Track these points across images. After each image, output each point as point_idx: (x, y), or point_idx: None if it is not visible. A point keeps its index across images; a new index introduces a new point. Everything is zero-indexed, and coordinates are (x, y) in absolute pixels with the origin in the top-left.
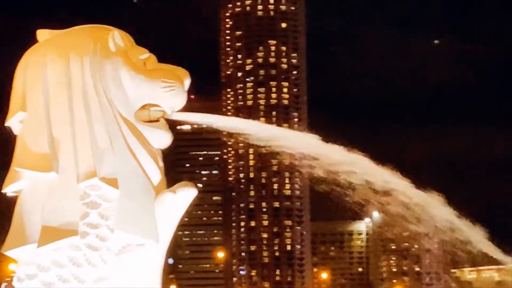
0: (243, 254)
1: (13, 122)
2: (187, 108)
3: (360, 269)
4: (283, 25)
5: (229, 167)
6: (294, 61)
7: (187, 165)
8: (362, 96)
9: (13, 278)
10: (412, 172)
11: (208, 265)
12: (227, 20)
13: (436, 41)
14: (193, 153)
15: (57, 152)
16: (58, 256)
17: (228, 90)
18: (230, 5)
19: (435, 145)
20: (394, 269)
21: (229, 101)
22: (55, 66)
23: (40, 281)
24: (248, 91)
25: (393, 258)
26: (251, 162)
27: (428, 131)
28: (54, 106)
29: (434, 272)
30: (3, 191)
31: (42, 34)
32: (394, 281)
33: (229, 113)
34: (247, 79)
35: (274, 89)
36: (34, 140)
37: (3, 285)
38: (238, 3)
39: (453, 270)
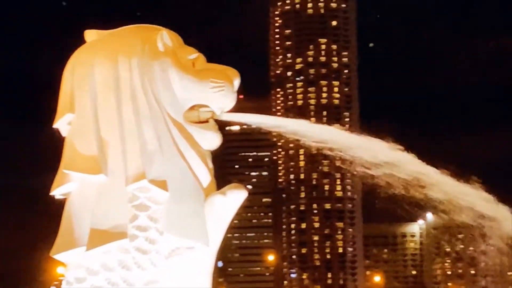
0: (293, 256)
1: (61, 123)
2: (236, 109)
3: (413, 272)
4: (334, 23)
5: (279, 168)
6: (345, 59)
7: (237, 166)
8: (415, 96)
9: (62, 281)
10: (473, 175)
11: (258, 268)
12: (277, 18)
13: (495, 41)
14: (243, 154)
15: (106, 154)
16: (107, 259)
17: (278, 89)
18: (279, 3)
19: (496, 147)
20: (449, 272)
21: (278, 101)
22: (103, 67)
23: (89, 285)
24: (298, 90)
25: (448, 261)
26: (302, 163)
27: (487, 132)
28: (102, 108)
29: (490, 275)
30: (51, 193)
31: (90, 35)
32: (449, 284)
33: (278, 113)
34: (297, 79)
35: (324, 89)
36: (82, 142)
37: None
38: (288, 1)
39: (510, 273)
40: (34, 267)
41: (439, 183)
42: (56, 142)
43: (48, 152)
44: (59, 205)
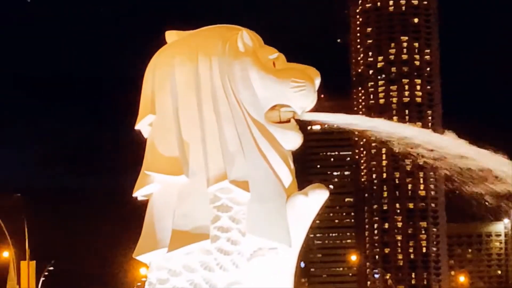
0: (376, 257)
1: (142, 125)
2: (317, 108)
3: (499, 272)
4: (415, 20)
5: (361, 167)
6: (427, 57)
7: (318, 166)
8: (500, 92)
9: (145, 282)
10: None
11: (340, 269)
12: (357, 17)
13: None
14: (324, 153)
15: (187, 155)
16: (189, 261)
17: (359, 88)
18: (360, 1)
19: None
20: None
21: (360, 100)
22: (183, 67)
23: (172, 286)
24: (380, 89)
25: None
26: (384, 162)
27: None
28: (183, 108)
29: None
30: (133, 195)
31: (170, 36)
32: None
33: (360, 112)
34: (379, 77)
35: (406, 87)
36: (164, 143)
37: None
38: None
39: None
40: (119, 268)
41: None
42: (138, 144)
43: (130, 153)
44: (142, 206)
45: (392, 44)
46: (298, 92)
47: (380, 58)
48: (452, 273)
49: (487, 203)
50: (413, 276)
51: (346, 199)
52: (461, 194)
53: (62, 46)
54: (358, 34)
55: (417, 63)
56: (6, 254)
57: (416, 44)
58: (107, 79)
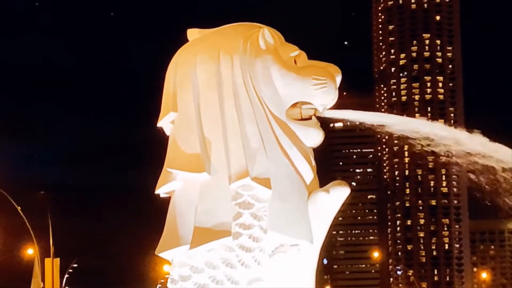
0: (399, 253)
1: (164, 122)
2: (339, 105)
3: None
4: (438, 17)
5: (384, 164)
6: (449, 54)
7: (340, 163)
8: None
9: (168, 279)
10: None
11: (363, 265)
12: (380, 14)
13: None
14: (346, 151)
15: (209, 153)
16: (211, 258)
17: (381, 85)
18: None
19: None
20: None
21: (382, 97)
22: (205, 65)
23: (194, 283)
24: (402, 86)
25: None
26: (406, 159)
27: None
28: (204, 106)
29: None
30: (156, 192)
31: (192, 33)
32: None
33: (382, 110)
34: (401, 74)
35: (428, 84)
36: (186, 141)
37: (158, 286)
38: None
39: None
40: (142, 265)
41: None
42: (160, 142)
43: (153, 151)
44: (164, 203)
45: (414, 42)
46: (319, 89)
47: (402, 55)
48: (475, 269)
49: (509, 199)
50: (435, 273)
51: (369, 196)
52: (483, 191)
53: (86, 44)
54: (381, 32)
55: (439, 60)
56: (30, 251)
57: (438, 42)
58: (131, 77)
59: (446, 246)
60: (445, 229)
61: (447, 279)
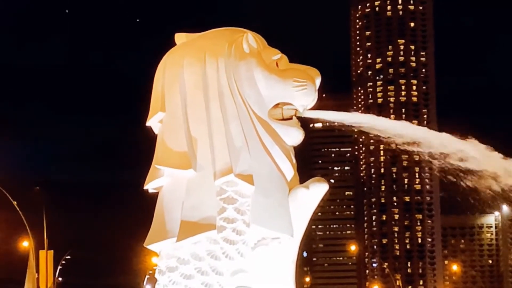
0: (375, 247)
1: (153, 122)
2: (318, 106)
3: (490, 261)
4: (412, 24)
5: (361, 163)
6: (422, 59)
7: (320, 161)
8: (491, 92)
9: (155, 270)
10: None
11: (341, 258)
12: (357, 21)
13: None
14: (325, 149)
15: (195, 151)
16: (197, 250)
17: (359, 88)
18: (360, 6)
19: None
20: None
21: (359, 99)
22: (192, 68)
23: (180, 273)
24: (378, 89)
25: None
26: (382, 158)
27: None
28: (191, 106)
29: None
30: (144, 187)
31: (180, 37)
32: None
33: (359, 111)
34: (377, 78)
35: (403, 87)
36: (173, 139)
37: (146, 277)
38: (368, 4)
39: None
40: (131, 257)
41: (491, 164)
42: (148, 140)
43: (142, 149)
44: (153, 198)
45: (390, 47)
46: (300, 91)
47: (378, 60)
48: (446, 262)
49: (478, 197)
50: (409, 265)
51: (346, 193)
52: (455, 188)
53: (90, 45)
54: (358, 37)
55: (413, 64)
56: (26, 244)
57: (413, 47)
58: (119, 77)
59: (419, 240)
60: (418, 224)
61: (420, 271)
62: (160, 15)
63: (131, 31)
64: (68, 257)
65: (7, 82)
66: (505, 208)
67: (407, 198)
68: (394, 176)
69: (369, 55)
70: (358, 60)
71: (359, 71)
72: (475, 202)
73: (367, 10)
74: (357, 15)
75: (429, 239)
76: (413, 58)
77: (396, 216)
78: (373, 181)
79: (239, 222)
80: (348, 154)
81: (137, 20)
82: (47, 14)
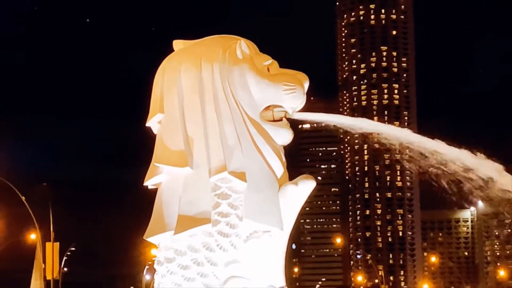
0: (359, 240)
1: (152, 122)
2: (307, 108)
3: (466, 253)
4: (394, 32)
5: (346, 161)
6: (404, 64)
7: (308, 160)
8: (469, 96)
9: (154, 261)
10: None
11: (327, 250)
12: (343, 29)
13: None
14: (313, 149)
15: (192, 149)
16: (193, 242)
17: (344, 92)
18: (345, 15)
19: None
20: (498, 253)
21: (345, 102)
22: (189, 72)
23: (177, 264)
24: (362, 92)
25: (497, 243)
26: (366, 157)
27: None
28: (188, 108)
29: None
30: (144, 184)
31: (177, 44)
32: (498, 264)
33: (345, 113)
34: (361, 82)
35: (386, 91)
36: (171, 139)
37: (146, 267)
38: (353, 13)
39: None
40: (132, 249)
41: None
42: (148, 139)
43: (142, 149)
44: (152, 195)
45: (373, 53)
46: (289, 94)
47: (362, 65)
48: (425, 254)
49: (456, 193)
50: (390, 256)
51: (332, 189)
52: (433, 185)
53: (88, 53)
54: (344, 44)
55: (395, 70)
56: (33, 236)
57: (394, 53)
58: (120, 81)
59: (400, 234)
60: (399, 218)
61: (401, 262)
62: (166, 23)
63: (134, 38)
64: (73, 248)
65: (15, 85)
66: (480, 203)
67: (389, 194)
68: (377, 174)
69: (354, 61)
70: (344, 65)
71: (344, 76)
72: (453, 197)
73: (352, 19)
74: (343, 23)
75: (410, 233)
76: (395, 64)
77: (379, 211)
78: (357, 178)
79: (233, 216)
80: (334, 153)
81: (153, 29)
82: (55, 18)
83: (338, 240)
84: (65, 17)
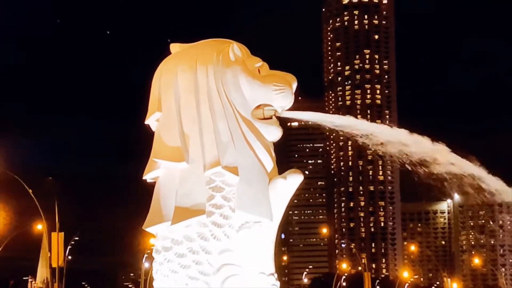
0: (343, 230)
1: (151, 120)
2: (295, 107)
3: (443, 242)
4: (376, 36)
5: (331, 156)
6: (385, 67)
7: (296, 155)
8: (446, 97)
9: (153, 250)
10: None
11: (314, 239)
12: (329, 33)
13: None
14: (301, 145)
15: (187, 146)
16: (189, 232)
17: (330, 92)
18: (331, 21)
19: None
20: (472, 242)
21: (330, 102)
22: (185, 74)
23: (174, 253)
24: (347, 93)
25: (472, 233)
26: (350, 153)
27: None
28: (184, 107)
29: (507, 245)
30: (143, 178)
31: (174, 47)
32: (473, 252)
33: (330, 112)
34: (346, 83)
35: (368, 91)
36: (168, 136)
37: (144, 255)
38: (338, 19)
39: None
40: (133, 238)
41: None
42: (146, 136)
43: (141, 145)
44: (150, 187)
45: (357, 56)
46: (279, 94)
47: (347, 67)
48: (405, 243)
49: (434, 187)
50: (373, 246)
51: (319, 183)
52: (413, 179)
53: (90, 54)
54: (329, 48)
55: (377, 71)
56: (40, 227)
57: (377, 56)
58: (121, 81)
59: (382, 224)
60: (381, 210)
61: (383, 251)
62: (160, 28)
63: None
64: (77, 238)
65: (23, 86)
66: (456, 196)
67: (371, 188)
68: (360, 169)
69: (339, 63)
70: (330, 67)
71: (330, 77)
72: (431, 190)
73: (337, 24)
74: (329, 28)
75: (391, 223)
76: (377, 66)
77: (362, 203)
78: (342, 173)
79: (226, 208)
80: (321, 149)
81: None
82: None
83: (324, 230)
84: (66, 18)
